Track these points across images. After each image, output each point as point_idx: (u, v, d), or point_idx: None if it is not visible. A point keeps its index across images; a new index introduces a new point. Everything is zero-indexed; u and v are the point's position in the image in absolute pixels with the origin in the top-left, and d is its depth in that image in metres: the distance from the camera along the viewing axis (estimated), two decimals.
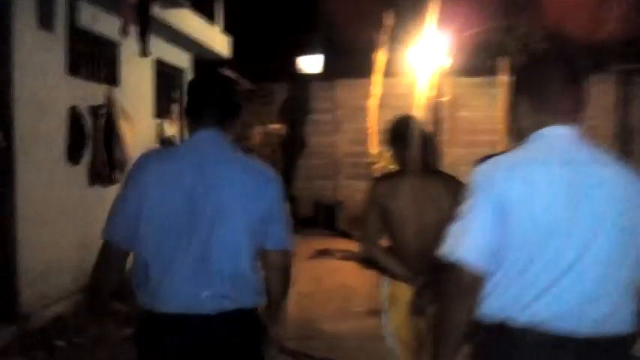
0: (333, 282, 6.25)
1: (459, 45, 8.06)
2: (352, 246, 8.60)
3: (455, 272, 1.34)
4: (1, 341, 3.90)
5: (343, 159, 11.04)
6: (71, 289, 4.87)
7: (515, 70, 1.61)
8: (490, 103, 10.23)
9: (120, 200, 1.77)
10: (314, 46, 12.84)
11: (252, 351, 1.73)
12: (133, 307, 1.98)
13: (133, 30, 5.12)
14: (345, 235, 9.19)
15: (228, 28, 8.14)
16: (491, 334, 1.36)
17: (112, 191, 5.53)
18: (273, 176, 1.78)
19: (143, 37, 5.16)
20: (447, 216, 1.75)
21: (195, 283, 1.61)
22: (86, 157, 5.09)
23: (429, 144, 2.56)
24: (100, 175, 5.25)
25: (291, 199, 11.26)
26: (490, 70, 10.44)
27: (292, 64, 12.97)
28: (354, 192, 10.89)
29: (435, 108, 7.38)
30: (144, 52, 5.22)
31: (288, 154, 11.38)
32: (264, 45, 12.18)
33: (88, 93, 5.12)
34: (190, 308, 1.61)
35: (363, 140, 10.56)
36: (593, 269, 1.28)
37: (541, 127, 1.41)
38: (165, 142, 6.67)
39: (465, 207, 1.38)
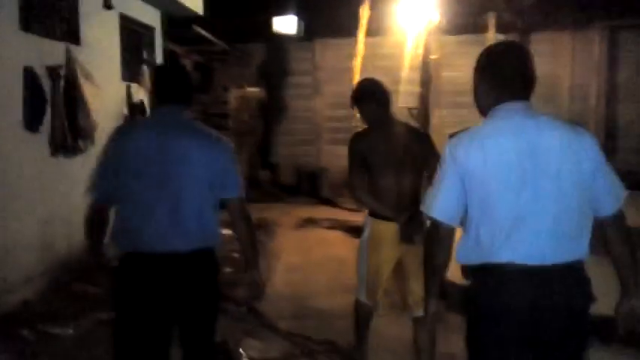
0: (322, 253, 5.93)
1: (446, 0, 7.60)
2: (337, 214, 8.30)
3: (431, 226, 1.80)
4: None
5: (324, 123, 10.61)
6: (37, 269, 4.43)
7: (478, 57, 1.85)
8: (474, 62, 9.89)
9: (101, 166, 2.15)
10: (290, 5, 12.21)
11: (211, 280, 2.25)
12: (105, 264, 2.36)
13: None
14: (330, 202, 8.86)
15: None
16: (475, 276, 1.75)
17: (77, 162, 5.03)
18: (223, 139, 2.23)
19: None
20: (417, 159, 2.74)
21: (169, 229, 2.05)
22: (46, 125, 4.55)
23: (388, 101, 2.95)
24: (62, 145, 4.73)
25: (272, 166, 10.86)
26: (476, 28, 10.05)
27: (269, 24, 12.34)
28: (336, 158, 10.50)
29: (424, 68, 6.96)
30: (107, 4, 4.63)
31: (267, 119, 10.90)
32: (239, 3, 11.49)
33: (45, 52, 4.53)
34: (166, 248, 2.06)
35: (345, 104, 10.10)
36: (549, 213, 1.63)
37: (499, 104, 1.77)
38: (134, 107, 6.12)
39: (438, 174, 1.77)
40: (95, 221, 2.20)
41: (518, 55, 1.83)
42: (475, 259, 1.73)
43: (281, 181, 10.64)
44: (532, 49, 7.70)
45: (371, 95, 2.95)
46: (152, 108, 2.49)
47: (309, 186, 9.85)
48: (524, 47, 1.94)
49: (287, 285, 4.87)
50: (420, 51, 7.09)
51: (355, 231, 7.19)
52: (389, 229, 2.85)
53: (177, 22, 7.52)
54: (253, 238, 2.33)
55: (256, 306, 4.25)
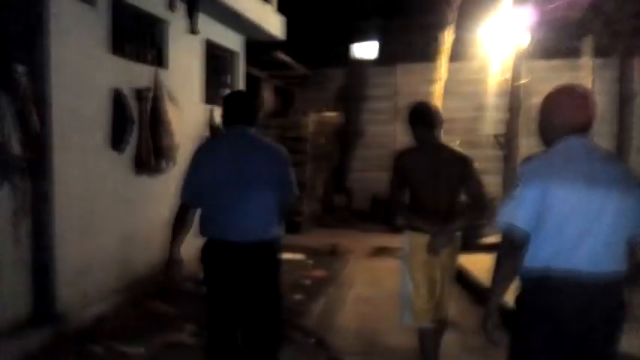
0: (395, 285, 5.61)
1: (536, 23, 7.16)
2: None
3: (507, 234, 1.96)
4: (33, 344, 3.56)
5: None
6: (113, 287, 4.52)
7: (544, 101, 2.15)
8: None
9: (189, 174, 2.70)
10: (370, 31, 12.17)
11: (272, 264, 2.78)
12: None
13: (181, 6, 4.68)
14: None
15: (281, 9, 7.61)
16: (535, 283, 1.96)
17: (159, 181, 5.15)
18: (283, 150, 2.79)
19: (192, 13, 4.71)
20: (454, 180, 3.03)
21: (242, 224, 2.62)
22: (131, 145, 4.70)
23: (440, 125, 3.15)
24: (145, 164, 4.86)
25: (347, 191, 10.71)
26: (569, 52, 9.45)
27: (348, 49, 12.36)
28: None
29: (512, 93, 6.56)
30: (192, 30, 4.76)
31: (343, 144, 10.81)
32: (319, 28, 11.62)
33: (133, 74, 4.72)
34: (240, 238, 2.62)
35: None
36: (604, 231, 1.91)
37: (564, 138, 2.02)
38: (214, 129, 6.24)
39: (515, 190, 1.98)
40: (181, 219, 2.71)
41: (583, 94, 2.10)
42: (539, 265, 1.97)
43: (356, 207, 10.46)
44: (635, 74, 6.95)
45: (421, 117, 3.17)
46: (225, 128, 2.86)
47: (383, 213, 9.57)
48: (586, 90, 2.17)
49: (357, 318, 4.64)
50: (508, 76, 6.69)
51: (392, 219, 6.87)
52: (425, 240, 3.00)
53: (259, 47, 7.67)
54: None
55: (324, 338, 4.07)
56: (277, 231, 2.76)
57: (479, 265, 5.80)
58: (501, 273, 1.99)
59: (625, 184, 1.97)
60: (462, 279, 5.68)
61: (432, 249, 2.98)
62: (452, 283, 3.24)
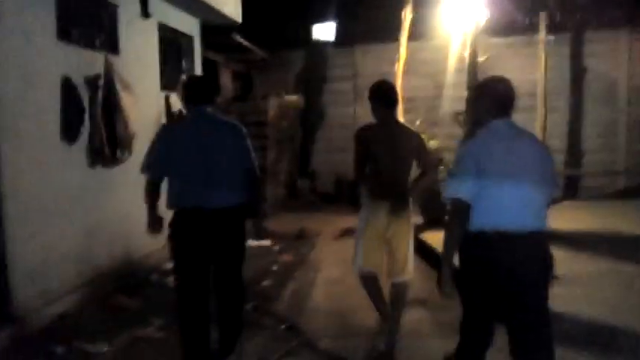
0: None
1: (494, 0, 7.21)
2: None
3: (454, 205, 2.41)
4: None
5: None
6: (75, 283, 4.36)
7: (474, 91, 2.83)
8: (526, 64, 9.42)
9: (154, 152, 3.08)
10: (328, 11, 12.04)
11: (239, 228, 3.19)
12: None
13: None
14: None
15: None
16: (472, 240, 2.39)
17: (116, 172, 4.96)
18: (239, 125, 3.20)
19: None
20: (409, 153, 3.43)
21: (206, 191, 3.00)
22: (84, 135, 4.49)
23: (395, 102, 3.57)
24: (101, 155, 4.67)
25: (311, 174, 10.67)
26: (526, 29, 9.58)
27: (307, 30, 12.19)
28: None
29: (471, 71, 6.61)
30: (145, 13, 4.56)
31: (305, 127, 10.74)
32: (276, 9, 11.40)
33: (83, 61, 4.49)
34: (205, 205, 3.00)
35: None
36: (524, 196, 2.35)
37: (491, 120, 2.48)
38: (173, 117, 6.05)
39: (457, 166, 2.48)
40: (152, 192, 3.12)
41: (507, 86, 2.53)
42: (478, 226, 2.41)
43: (320, 189, 10.44)
44: (587, 49, 7.20)
45: (384, 96, 3.53)
46: (187, 109, 3.28)
47: (348, 194, 9.58)
48: (506, 81, 2.55)
49: (328, 299, 4.64)
50: (467, 53, 6.72)
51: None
52: (382, 206, 3.46)
53: (216, 30, 7.45)
54: (259, 193, 3.69)
55: (296, 323, 4.04)
56: (241, 197, 3.13)
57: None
58: (451, 237, 2.46)
59: (540, 154, 2.47)
60: (428, 256, 5.75)
61: (395, 212, 3.44)
62: (411, 250, 3.63)
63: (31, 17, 3.87)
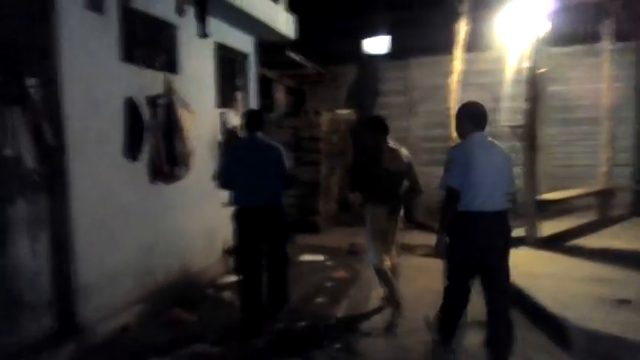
0: (420, 284, 5.51)
1: (556, 9, 6.95)
2: (434, 240, 7.80)
3: (448, 192, 3.29)
4: (58, 359, 3.52)
5: (419, 144, 10.18)
6: (135, 296, 4.47)
7: (458, 111, 3.57)
8: (589, 74, 9.01)
9: (220, 167, 4.57)
10: (381, 25, 11.98)
11: (280, 222, 4.31)
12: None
13: (191, 10, 4.60)
14: (425, 227, 8.39)
15: (290, 7, 7.48)
16: (460, 217, 3.29)
17: (174, 189, 5.09)
18: (278, 146, 4.28)
19: (201, 16, 4.63)
20: (400, 170, 4.45)
21: (260, 193, 4.16)
22: (145, 153, 4.64)
23: (385, 130, 4.59)
24: (161, 172, 4.80)
25: (362, 188, 10.56)
26: (587, 38, 9.19)
27: (359, 44, 12.18)
28: (432, 179, 10.02)
29: (531, 82, 6.37)
30: (203, 33, 4.67)
31: (357, 141, 10.68)
32: (329, 25, 11.48)
33: (145, 82, 4.65)
34: (258, 203, 4.16)
35: (440, 123, 9.65)
36: (497, 187, 3.30)
37: (470, 133, 3.41)
38: (229, 132, 6.16)
39: (449, 165, 3.34)
40: (226, 190, 4.47)
41: (481, 108, 3.47)
42: (464, 208, 3.31)
43: None
44: None
45: (373, 126, 4.64)
46: (244, 132, 4.58)
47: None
48: (480, 104, 3.50)
49: (382, 320, 4.53)
50: (526, 65, 6.50)
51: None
52: (382, 210, 4.53)
53: (270, 48, 7.56)
54: (290, 181, 4.42)
55: (351, 343, 3.97)
56: (279, 198, 4.31)
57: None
58: (446, 215, 3.35)
59: (504, 159, 3.40)
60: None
61: (392, 213, 4.57)
62: (397, 238, 4.83)
63: (97, 41, 4.04)
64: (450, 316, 3.55)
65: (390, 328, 4.34)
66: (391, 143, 4.58)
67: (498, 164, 3.35)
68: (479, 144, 3.35)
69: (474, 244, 3.29)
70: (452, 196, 3.27)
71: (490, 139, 3.42)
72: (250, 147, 4.26)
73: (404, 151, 4.61)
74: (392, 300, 4.59)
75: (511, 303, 3.51)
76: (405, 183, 4.61)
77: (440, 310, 3.57)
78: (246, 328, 4.17)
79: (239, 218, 4.22)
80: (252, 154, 4.20)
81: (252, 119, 4.36)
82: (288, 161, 4.30)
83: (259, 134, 4.29)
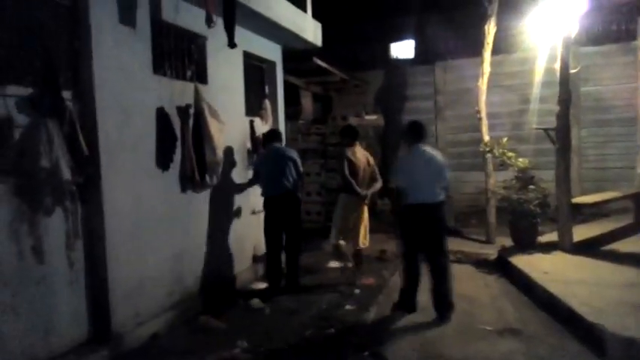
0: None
1: (585, 9, 6.80)
2: (464, 245, 7.71)
3: (398, 187, 4.64)
4: None
5: (447, 149, 10.08)
6: (165, 304, 4.55)
7: (405, 126, 4.92)
8: (623, 73, 8.77)
9: (257, 166, 5.76)
10: (406, 29, 11.95)
11: (297, 208, 5.78)
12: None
13: (219, 21, 4.68)
14: (455, 233, 8.29)
15: (315, 14, 7.52)
16: (405, 208, 4.61)
17: (205, 197, 5.18)
18: (293, 152, 5.78)
19: (229, 27, 4.70)
20: (370, 165, 5.94)
21: (280, 185, 5.53)
22: (176, 162, 4.73)
23: (357, 135, 6.05)
24: (191, 180, 4.89)
25: (390, 194, 10.49)
26: (621, 36, 8.97)
27: (385, 49, 12.17)
28: (462, 185, 9.91)
29: (562, 84, 6.24)
30: (231, 43, 4.75)
31: (385, 147, 10.65)
32: (354, 30, 11.50)
33: (175, 92, 4.75)
34: (280, 192, 5.54)
35: (468, 127, 9.54)
36: (431, 183, 4.56)
37: (413, 144, 4.71)
38: (256, 140, 6.23)
39: (397, 167, 4.75)
40: (252, 184, 5.86)
41: (422, 124, 4.81)
42: (407, 201, 4.56)
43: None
44: None
45: (351, 134, 5.97)
46: (265, 144, 5.89)
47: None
48: (421, 121, 4.95)
49: (412, 326, 4.50)
50: (556, 66, 6.37)
51: (486, 265, 6.59)
52: (353, 198, 5.74)
53: (296, 55, 7.62)
54: (302, 181, 5.90)
55: (380, 351, 3.95)
56: (297, 188, 5.67)
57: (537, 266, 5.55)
58: (397, 205, 4.65)
59: (440, 163, 4.61)
60: (519, 282, 5.44)
61: (364, 200, 5.76)
62: (366, 225, 5.95)
63: (129, 53, 4.16)
64: (410, 278, 4.75)
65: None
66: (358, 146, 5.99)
67: (434, 167, 4.55)
68: (419, 153, 4.60)
69: (418, 226, 4.57)
70: (401, 191, 4.59)
71: (428, 148, 4.67)
72: (272, 153, 5.63)
73: (367, 150, 6.22)
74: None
75: (447, 262, 4.76)
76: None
77: (402, 275, 4.83)
78: (271, 289, 5.59)
79: (267, 204, 5.58)
80: (273, 158, 5.58)
81: (269, 135, 5.84)
82: (300, 161, 5.77)
83: (277, 144, 5.73)
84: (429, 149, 4.64)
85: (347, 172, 5.66)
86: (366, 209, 5.86)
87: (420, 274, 4.72)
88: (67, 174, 3.47)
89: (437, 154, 4.67)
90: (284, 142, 7.20)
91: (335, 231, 5.84)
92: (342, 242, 5.84)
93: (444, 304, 4.58)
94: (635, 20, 7.70)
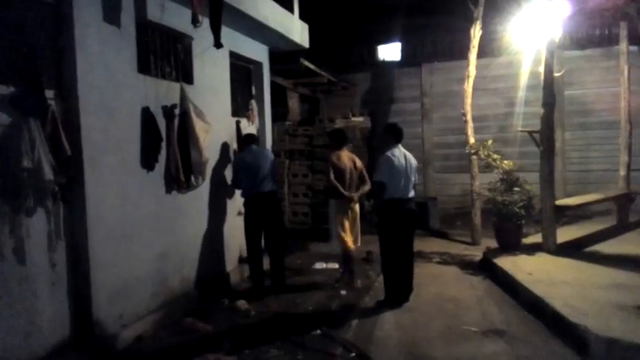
0: (435, 292, 5.48)
1: (569, 14, 6.89)
2: (450, 247, 7.76)
3: (379, 183, 4.98)
4: None
5: (433, 150, 10.14)
6: (150, 306, 4.50)
7: (385, 129, 5.32)
8: (606, 77, 8.91)
9: (236, 171, 5.80)
10: (393, 32, 11.99)
11: (278, 206, 5.91)
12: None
13: (205, 20, 4.65)
14: (441, 234, 8.33)
15: (302, 15, 7.52)
16: (386, 202, 5.01)
17: (190, 198, 5.14)
18: (270, 153, 6.11)
19: (215, 27, 4.67)
20: (357, 168, 5.96)
21: (260, 184, 5.60)
22: (161, 162, 4.69)
23: (345, 140, 6.16)
24: (176, 181, 4.85)
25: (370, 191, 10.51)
26: (604, 41, 9.10)
27: (372, 52, 12.20)
28: (447, 187, 9.97)
29: (546, 87, 6.31)
30: (217, 44, 4.72)
31: (372, 148, 10.68)
32: (341, 33, 11.51)
33: (161, 92, 4.71)
34: (260, 191, 5.60)
35: (454, 129, 9.60)
36: (408, 181, 5.06)
37: (391, 146, 5.12)
38: (244, 141, 6.20)
39: (381, 166, 5.01)
40: (232, 191, 6.01)
41: (399, 127, 5.23)
42: (388, 196, 4.96)
43: None
44: None
45: (339, 138, 6.04)
46: (243, 147, 5.95)
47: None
48: (398, 124, 5.35)
49: (397, 328, 4.50)
50: (541, 69, 6.44)
51: (471, 266, 6.63)
52: (341, 202, 5.84)
53: (283, 56, 7.61)
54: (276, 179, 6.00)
55: (365, 351, 3.95)
56: (276, 186, 5.78)
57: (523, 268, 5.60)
58: (378, 199, 4.99)
59: (411, 162, 5.08)
60: (505, 283, 5.48)
61: (353, 201, 5.81)
62: (358, 224, 6.01)
63: (113, 52, 4.11)
64: (390, 272, 5.08)
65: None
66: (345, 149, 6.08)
67: (410, 167, 5.06)
68: (397, 154, 5.04)
69: (397, 220, 5.00)
70: (381, 187, 4.93)
71: (403, 150, 5.12)
72: (249, 155, 5.70)
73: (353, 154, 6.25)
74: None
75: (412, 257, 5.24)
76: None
77: (382, 266, 5.22)
78: (255, 289, 5.63)
79: (247, 203, 5.67)
80: (251, 159, 5.64)
81: (246, 139, 5.91)
82: (275, 160, 6.00)
83: (254, 146, 5.82)
84: (404, 150, 5.11)
85: (332, 176, 5.73)
86: (357, 211, 5.89)
87: (399, 266, 5.06)
88: (49, 174, 3.42)
89: (411, 155, 5.15)
90: (269, 144, 7.22)
91: (338, 234, 5.85)
92: (351, 246, 5.79)
93: (409, 289, 5.15)
94: (618, 25, 7.83)
